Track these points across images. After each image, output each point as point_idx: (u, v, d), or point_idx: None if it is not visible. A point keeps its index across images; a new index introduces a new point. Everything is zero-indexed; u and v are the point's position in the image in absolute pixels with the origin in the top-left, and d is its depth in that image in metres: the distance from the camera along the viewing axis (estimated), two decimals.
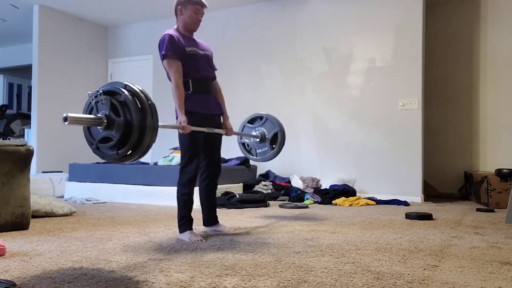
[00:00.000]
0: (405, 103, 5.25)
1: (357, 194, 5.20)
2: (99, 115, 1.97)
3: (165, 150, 6.63)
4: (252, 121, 3.66)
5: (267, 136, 3.57)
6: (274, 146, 3.58)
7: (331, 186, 5.24)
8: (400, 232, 3.00)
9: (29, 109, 8.80)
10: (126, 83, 2.01)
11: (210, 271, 1.92)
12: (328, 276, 1.84)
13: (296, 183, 5.31)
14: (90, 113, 2.01)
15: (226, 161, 5.61)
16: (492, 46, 5.70)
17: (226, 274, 1.87)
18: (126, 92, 1.96)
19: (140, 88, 2.02)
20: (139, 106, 1.95)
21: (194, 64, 2.81)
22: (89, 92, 2.03)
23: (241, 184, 5.35)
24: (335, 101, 5.67)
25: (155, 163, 5.39)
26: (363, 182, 5.44)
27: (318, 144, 5.74)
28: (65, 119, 1.80)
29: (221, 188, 4.92)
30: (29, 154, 3.07)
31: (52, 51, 6.54)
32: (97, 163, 5.67)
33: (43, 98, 6.39)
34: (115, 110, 1.95)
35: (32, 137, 6.37)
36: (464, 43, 5.86)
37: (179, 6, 2.84)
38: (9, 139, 7.51)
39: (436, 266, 2.05)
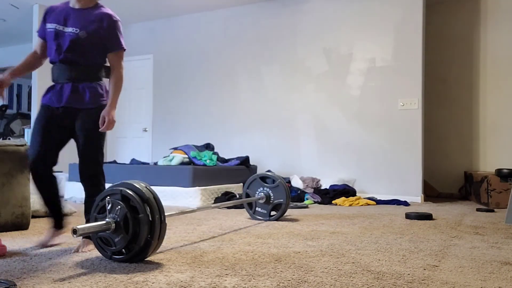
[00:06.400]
0: (405, 103, 5.25)
1: (357, 194, 5.20)
2: (107, 219, 2.01)
3: (165, 150, 6.63)
4: (264, 178, 3.60)
5: (271, 201, 3.54)
6: (272, 213, 3.57)
7: (331, 186, 5.24)
8: (400, 232, 3.00)
9: (29, 109, 8.80)
10: (148, 197, 2.02)
11: (210, 271, 1.92)
12: (328, 276, 1.84)
13: (296, 183, 5.31)
14: (98, 213, 2.08)
15: (226, 161, 5.61)
16: (492, 46, 5.70)
17: (226, 274, 1.87)
18: (142, 215, 1.99)
19: (160, 205, 2.06)
20: (150, 219, 2.00)
21: (50, 43, 2.43)
22: (108, 198, 2.03)
23: (241, 184, 5.35)
24: (335, 101, 5.66)
25: (155, 163, 5.38)
26: (363, 182, 5.44)
27: (318, 144, 5.74)
28: (74, 231, 1.82)
29: (221, 188, 4.92)
30: None
31: None
32: None
33: None
34: (125, 220, 2.00)
35: None
36: (464, 43, 5.86)
37: None
38: (9, 139, 7.50)
39: (436, 266, 2.05)
